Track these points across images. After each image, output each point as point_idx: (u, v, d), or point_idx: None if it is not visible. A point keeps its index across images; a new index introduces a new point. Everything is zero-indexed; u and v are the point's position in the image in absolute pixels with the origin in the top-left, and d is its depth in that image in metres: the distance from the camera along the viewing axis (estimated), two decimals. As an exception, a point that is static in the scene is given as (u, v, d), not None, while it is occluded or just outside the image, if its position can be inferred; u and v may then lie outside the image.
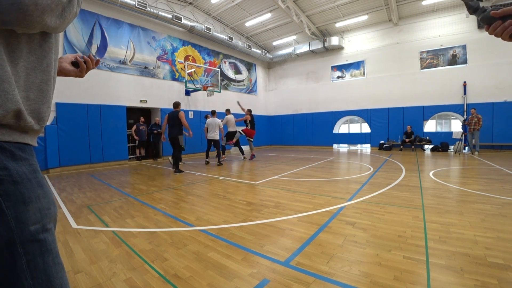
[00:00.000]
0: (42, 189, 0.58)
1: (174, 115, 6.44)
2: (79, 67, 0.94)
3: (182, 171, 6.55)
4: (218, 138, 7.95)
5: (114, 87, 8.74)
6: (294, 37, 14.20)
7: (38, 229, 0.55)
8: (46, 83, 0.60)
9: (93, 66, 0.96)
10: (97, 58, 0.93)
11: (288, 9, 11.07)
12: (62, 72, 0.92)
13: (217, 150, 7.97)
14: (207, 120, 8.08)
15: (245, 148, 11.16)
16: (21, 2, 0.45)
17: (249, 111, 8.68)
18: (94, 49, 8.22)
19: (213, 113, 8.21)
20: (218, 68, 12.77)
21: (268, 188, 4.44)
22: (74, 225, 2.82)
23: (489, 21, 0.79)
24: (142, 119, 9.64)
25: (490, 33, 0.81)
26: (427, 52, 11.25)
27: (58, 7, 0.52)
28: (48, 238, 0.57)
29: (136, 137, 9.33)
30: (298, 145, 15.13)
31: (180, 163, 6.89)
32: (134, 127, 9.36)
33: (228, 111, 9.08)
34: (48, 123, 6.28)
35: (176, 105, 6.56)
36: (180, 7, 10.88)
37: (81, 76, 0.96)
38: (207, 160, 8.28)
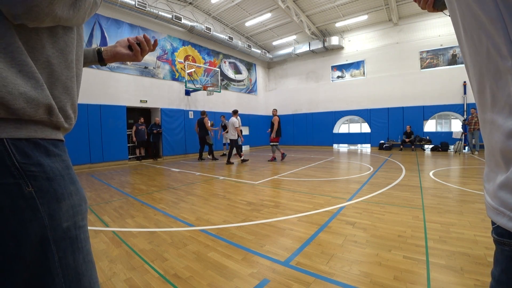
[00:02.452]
0: (74, 185, 0.57)
1: (200, 121, 8.87)
2: (134, 51, 0.89)
3: (217, 159, 8.69)
4: (234, 138, 8.15)
5: (114, 87, 8.74)
6: (294, 37, 14.20)
7: (71, 226, 0.54)
8: (71, 79, 0.59)
9: (150, 48, 0.91)
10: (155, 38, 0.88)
11: (288, 9, 11.07)
12: (117, 57, 0.89)
13: (231, 150, 8.26)
14: (231, 119, 8.11)
15: (244, 149, 11.12)
16: None
17: (276, 111, 8.31)
18: (94, 49, 8.22)
19: (235, 112, 8.29)
20: (218, 68, 12.77)
21: (268, 188, 4.44)
22: (74, 225, 2.82)
23: None
24: (141, 119, 9.64)
25: (418, 5, 0.85)
26: (427, 52, 11.25)
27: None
28: (80, 235, 0.57)
29: (134, 139, 9.32)
30: (298, 145, 15.13)
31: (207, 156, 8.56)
32: (134, 127, 9.35)
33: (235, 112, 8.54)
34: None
35: (202, 113, 8.94)
36: (180, 7, 10.88)
37: (138, 60, 0.91)
38: (230, 161, 8.10)
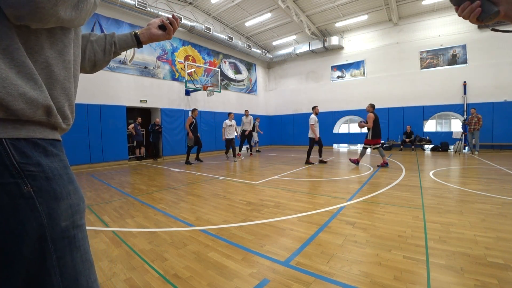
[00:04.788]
0: (72, 185, 0.58)
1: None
2: (166, 30, 0.96)
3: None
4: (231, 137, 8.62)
5: (114, 87, 8.74)
6: (294, 37, 14.20)
7: (69, 225, 0.55)
8: (69, 80, 0.59)
9: (178, 25, 0.98)
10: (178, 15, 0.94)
11: (288, 9, 11.07)
12: (153, 38, 0.96)
13: (233, 148, 8.69)
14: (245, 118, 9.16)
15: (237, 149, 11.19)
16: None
17: (372, 107, 6.69)
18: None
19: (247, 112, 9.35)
20: (218, 68, 12.76)
21: (268, 188, 4.44)
22: (74, 225, 2.81)
23: (458, 2, 0.78)
24: (139, 119, 9.63)
25: (459, 15, 0.79)
26: (427, 52, 11.25)
27: None
28: (78, 235, 0.57)
29: (134, 132, 9.30)
30: (298, 145, 15.12)
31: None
32: (132, 125, 9.37)
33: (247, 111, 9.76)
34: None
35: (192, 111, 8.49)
36: (180, 7, 10.88)
37: (169, 37, 0.99)
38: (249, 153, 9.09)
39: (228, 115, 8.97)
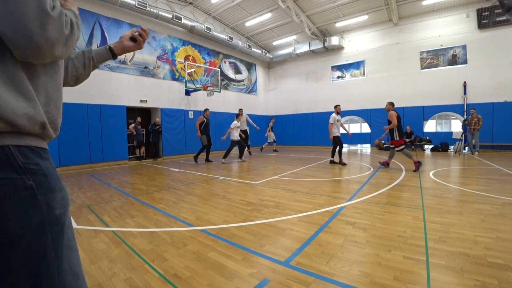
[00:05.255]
0: (61, 183, 0.71)
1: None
2: (137, 41, 1.08)
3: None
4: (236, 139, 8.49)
5: (114, 87, 8.74)
6: (294, 37, 14.20)
7: (61, 214, 0.68)
8: (59, 99, 0.75)
9: (147, 36, 1.10)
10: (147, 29, 1.11)
11: (288, 9, 11.07)
12: (125, 50, 1.08)
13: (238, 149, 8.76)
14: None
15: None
16: (34, 40, 0.57)
17: (391, 104, 6.25)
18: (94, 49, 8.21)
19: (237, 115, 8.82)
20: (218, 68, 12.77)
21: (268, 188, 4.44)
22: (74, 225, 2.82)
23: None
24: (138, 119, 9.64)
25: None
26: (427, 52, 11.25)
27: (62, 39, 0.64)
28: (66, 223, 0.69)
29: (134, 132, 9.32)
30: (298, 145, 15.12)
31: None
32: (133, 125, 9.38)
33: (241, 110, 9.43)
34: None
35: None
36: (180, 7, 10.88)
37: (140, 47, 1.11)
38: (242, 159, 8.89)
39: (236, 116, 8.56)
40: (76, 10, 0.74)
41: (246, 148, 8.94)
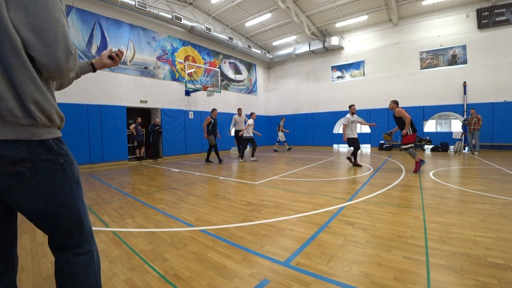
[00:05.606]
0: (73, 157, 1.05)
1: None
2: (114, 59, 1.32)
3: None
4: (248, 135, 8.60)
5: (114, 87, 8.74)
6: (294, 37, 14.20)
7: (78, 177, 1.06)
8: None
9: (122, 57, 1.35)
10: (122, 50, 1.39)
11: (288, 9, 11.08)
12: (104, 66, 1.33)
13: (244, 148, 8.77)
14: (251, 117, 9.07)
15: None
16: (60, 68, 0.86)
17: (395, 103, 5.93)
18: (94, 49, 8.21)
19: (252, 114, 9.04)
20: (218, 68, 12.77)
21: (268, 188, 4.44)
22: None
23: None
24: (139, 119, 9.65)
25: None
26: (427, 52, 11.25)
27: (75, 68, 0.94)
28: (80, 178, 1.08)
29: (135, 132, 9.33)
30: (298, 145, 15.12)
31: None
32: (133, 125, 9.39)
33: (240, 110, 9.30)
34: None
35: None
36: (180, 7, 10.89)
37: (116, 65, 1.37)
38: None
39: (251, 114, 9.03)
40: None
41: (244, 149, 8.86)
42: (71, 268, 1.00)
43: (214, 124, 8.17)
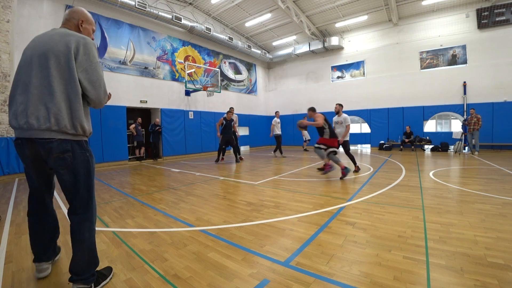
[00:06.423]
0: (92, 152, 1.65)
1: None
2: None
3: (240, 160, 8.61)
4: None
5: (114, 88, 8.74)
6: (294, 37, 14.20)
7: (94, 167, 1.63)
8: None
9: (108, 99, 1.74)
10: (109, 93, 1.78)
11: (288, 9, 11.08)
12: None
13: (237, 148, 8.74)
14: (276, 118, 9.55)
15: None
16: (101, 103, 1.61)
17: (316, 111, 5.48)
18: (94, 50, 8.20)
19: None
20: (218, 68, 12.77)
21: (268, 188, 4.44)
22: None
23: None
24: (139, 119, 9.65)
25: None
26: (427, 52, 11.26)
27: (106, 100, 1.65)
28: (94, 172, 1.66)
29: (135, 133, 9.34)
30: (298, 145, 15.12)
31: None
32: (133, 125, 9.39)
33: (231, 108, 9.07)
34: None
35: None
36: (180, 8, 10.89)
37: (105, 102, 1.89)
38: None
39: (276, 113, 9.73)
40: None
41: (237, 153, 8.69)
42: (79, 229, 1.55)
43: (225, 125, 8.11)
